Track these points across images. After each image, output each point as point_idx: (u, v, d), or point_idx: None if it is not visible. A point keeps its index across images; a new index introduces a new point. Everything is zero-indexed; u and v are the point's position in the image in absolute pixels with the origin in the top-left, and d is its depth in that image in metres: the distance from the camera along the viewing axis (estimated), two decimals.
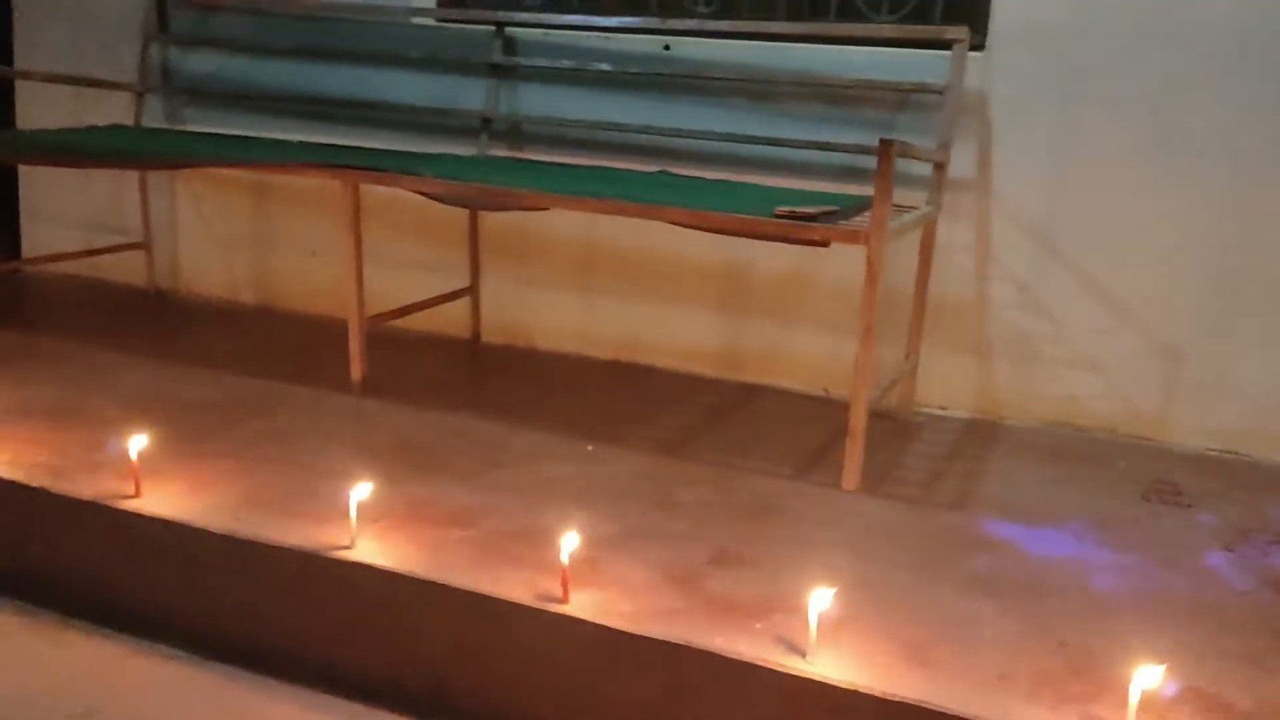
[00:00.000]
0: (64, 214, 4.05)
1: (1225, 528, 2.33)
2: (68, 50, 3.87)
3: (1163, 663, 1.58)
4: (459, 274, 3.42)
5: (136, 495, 2.17)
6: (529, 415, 2.82)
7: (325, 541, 2.02)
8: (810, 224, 2.36)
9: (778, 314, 3.15)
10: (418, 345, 3.39)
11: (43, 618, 2.20)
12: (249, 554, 2.03)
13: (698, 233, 2.54)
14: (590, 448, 2.61)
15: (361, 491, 2.04)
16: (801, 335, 3.12)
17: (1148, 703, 1.58)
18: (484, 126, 3.35)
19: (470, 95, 3.36)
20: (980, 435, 2.89)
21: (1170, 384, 2.82)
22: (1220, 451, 2.80)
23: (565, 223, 3.26)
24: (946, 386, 3.02)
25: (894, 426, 2.90)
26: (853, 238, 2.31)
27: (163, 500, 2.16)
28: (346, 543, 2.01)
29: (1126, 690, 1.57)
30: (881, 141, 2.25)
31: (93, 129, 3.52)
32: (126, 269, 3.89)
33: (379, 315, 2.94)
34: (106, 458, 2.32)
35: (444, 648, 1.93)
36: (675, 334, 3.29)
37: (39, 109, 3.93)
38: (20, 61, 3.98)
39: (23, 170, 4.08)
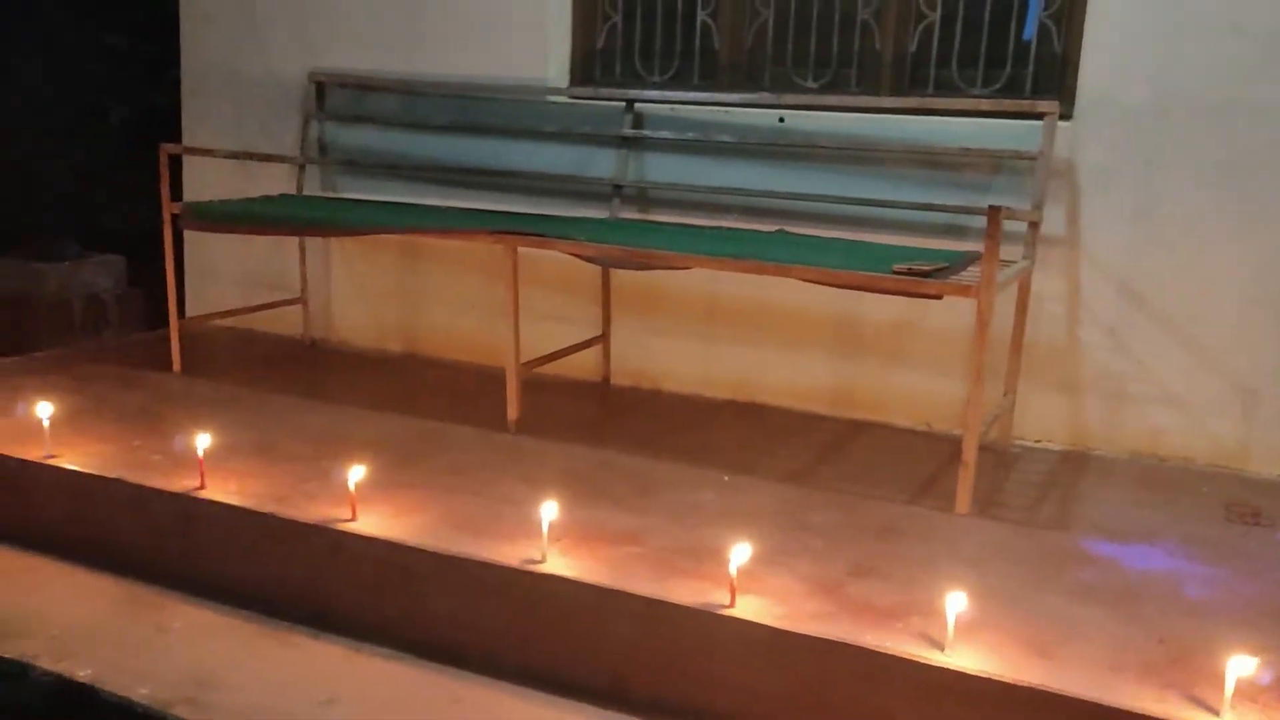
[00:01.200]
0: (225, 274, 4.52)
1: None
2: (231, 128, 4.37)
3: (1254, 655, 1.87)
4: (592, 324, 3.81)
5: (353, 519, 2.56)
6: (665, 449, 3.18)
7: (520, 557, 2.39)
8: (926, 280, 2.71)
9: (885, 356, 3.49)
10: (556, 388, 3.77)
11: (273, 624, 2.59)
12: (456, 568, 2.41)
13: (809, 284, 2.89)
14: (726, 478, 2.95)
15: (550, 512, 2.41)
16: (907, 376, 3.45)
17: (1242, 688, 1.87)
18: (615, 192, 3.75)
19: (601, 164, 3.77)
20: (1073, 465, 3.19)
21: (1247, 418, 3.11)
22: None
23: (688, 276, 3.63)
24: (1041, 421, 3.33)
25: (994, 458, 3.21)
26: (965, 291, 2.65)
27: (376, 523, 2.54)
28: (539, 557, 2.38)
29: (1223, 677, 1.87)
30: (990, 208, 2.60)
31: (264, 199, 3.99)
32: (283, 322, 4.34)
33: (528, 362, 3.33)
34: (319, 488, 2.72)
35: (626, 646, 2.27)
36: (789, 375, 3.64)
37: (204, 182, 4.42)
38: (189, 139, 4.48)
39: (187, 235, 4.57)
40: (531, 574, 2.34)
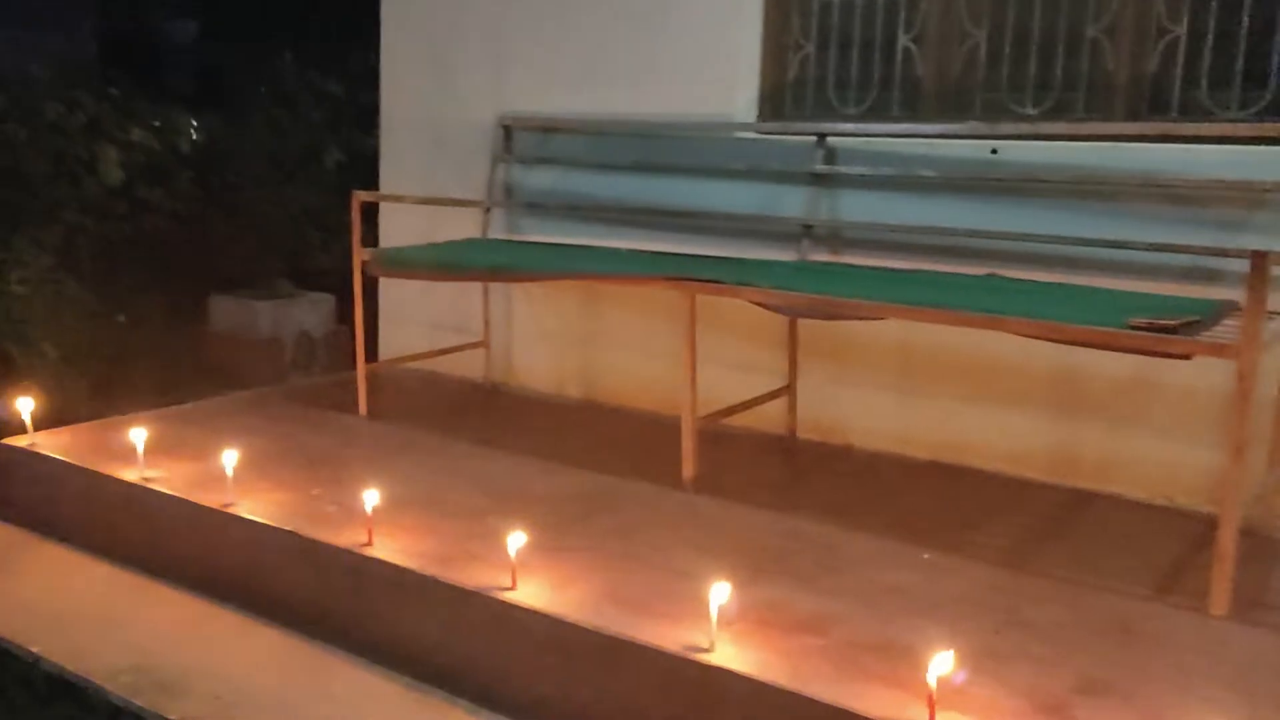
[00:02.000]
0: (413, 317, 4.52)
1: None
2: (425, 172, 4.37)
3: None
4: (777, 373, 3.54)
5: (513, 588, 2.39)
6: (857, 517, 2.85)
7: (686, 642, 2.13)
8: (1171, 336, 2.30)
9: (1115, 416, 3.04)
10: (738, 441, 3.51)
11: (434, 693, 2.44)
12: (618, 651, 2.18)
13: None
14: (927, 556, 2.61)
15: (720, 594, 2.15)
16: (1142, 440, 2.99)
17: None
18: (804, 232, 3.48)
19: (790, 202, 3.51)
20: None
21: None
22: None
23: (881, 323, 3.31)
24: None
25: (1255, 542, 2.70)
26: (1222, 351, 2.23)
27: (536, 593, 2.36)
28: (706, 645, 2.12)
29: None
30: (1255, 253, 2.17)
31: (452, 244, 3.94)
32: (464, 365, 4.28)
33: (707, 415, 3.09)
34: (482, 549, 2.56)
35: None
36: (999, 435, 3.24)
37: (400, 225, 4.44)
38: (386, 183, 4.53)
39: (381, 279, 4.61)
40: (697, 665, 2.08)
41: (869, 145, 3.39)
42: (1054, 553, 2.68)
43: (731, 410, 3.21)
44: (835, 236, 3.48)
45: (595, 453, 3.40)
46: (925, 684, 1.87)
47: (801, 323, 3.51)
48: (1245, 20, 2.90)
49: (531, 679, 2.32)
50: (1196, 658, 2.12)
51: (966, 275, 3.10)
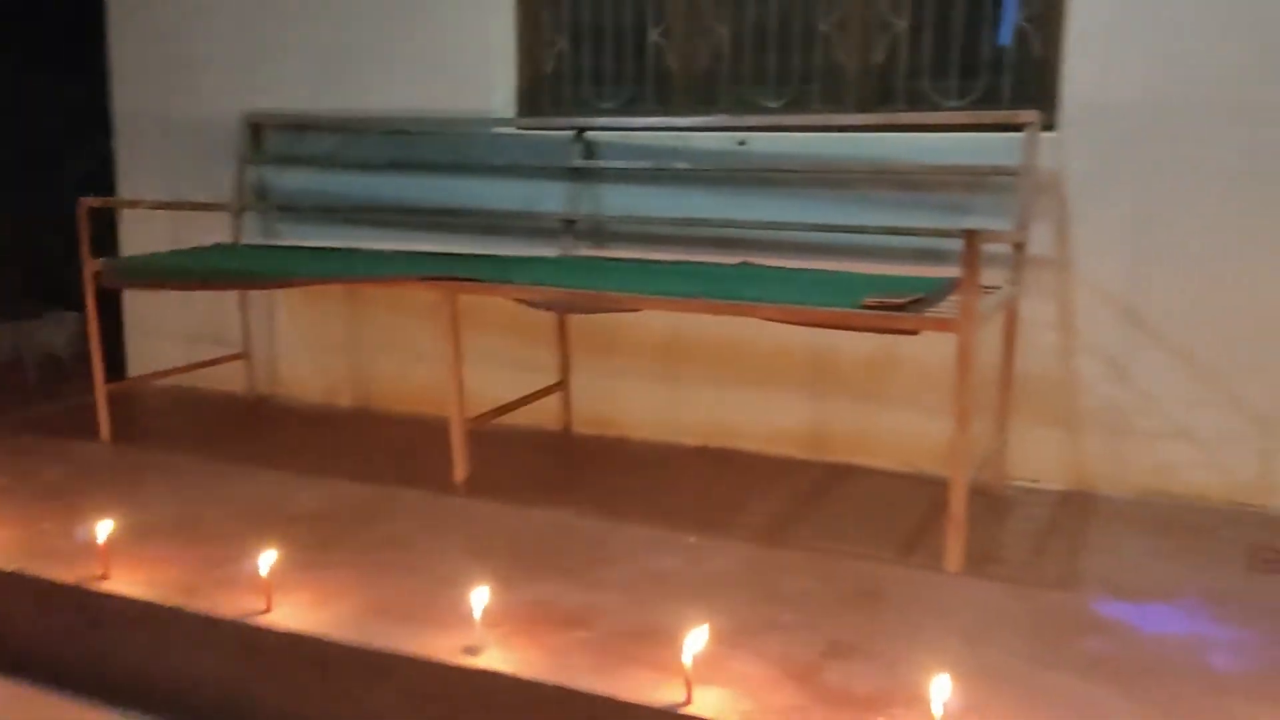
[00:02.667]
0: (166, 329, 4.25)
1: None
2: (167, 176, 4.11)
3: None
4: (550, 370, 3.54)
5: (268, 610, 2.27)
6: (628, 508, 2.89)
7: (452, 648, 2.09)
8: (899, 314, 2.43)
9: (863, 394, 3.21)
10: (513, 440, 3.48)
11: None
12: (382, 665, 2.12)
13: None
14: (692, 540, 2.67)
15: (483, 598, 2.12)
16: (888, 414, 3.17)
17: None
18: (567, 228, 3.48)
19: (552, 198, 3.50)
20: (1075, 508, 2.90)
21: (1266, 450, 2.82)
22: None
23: (649, 314, 3.35)
24: (1038, 460, 3.04)
25: (987, 502, 2.92)
26: (944, 326, 2.38)
27: (294, 614, 2.25)
28: (474, 648, 2.09)
29: None
30: (966, 233, 2.32)
31: (198, 250, 3.72)
32: (226, 378, 4.06)
33: (478, 416, 3.05)
34: (234, 573, 2.43)
35: None
36: (762, 418, 3.35)
37: (140, 232, 4.16)
38: (123, 190, 4.23)
39: (127, 291, 4.30)
40: (461, 669, 2.05)
41: (626, 139, 3.43)
42: (809, 526, 2.80)
43: (503, 409, 3.19)
44: (598, 230, 3.51)
45: (365, 463, 3.30)
46: (681, 663, 1.91)
47: (572, 318, 3.52)
48: (961, 12, 3.11)
49: (291, 702, 2.22)
50: (932, 613, 2.26)
51: (722, 265, 3.18)
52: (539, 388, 3.45)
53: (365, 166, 3.77)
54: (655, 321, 3.38)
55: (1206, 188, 2.78)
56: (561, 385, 3.55)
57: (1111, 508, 2.90)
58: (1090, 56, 2.84)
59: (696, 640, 1.92)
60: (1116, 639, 2.14)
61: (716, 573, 2.48)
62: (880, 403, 3.18)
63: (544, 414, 3.57)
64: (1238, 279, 2.79)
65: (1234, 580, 2.41)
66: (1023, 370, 2.94)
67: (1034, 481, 3.06)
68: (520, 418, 3.40)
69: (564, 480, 3.30)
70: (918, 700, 1.83)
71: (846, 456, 3.25)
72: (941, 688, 1.76)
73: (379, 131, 3.73)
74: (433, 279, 2.93)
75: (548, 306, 3.19)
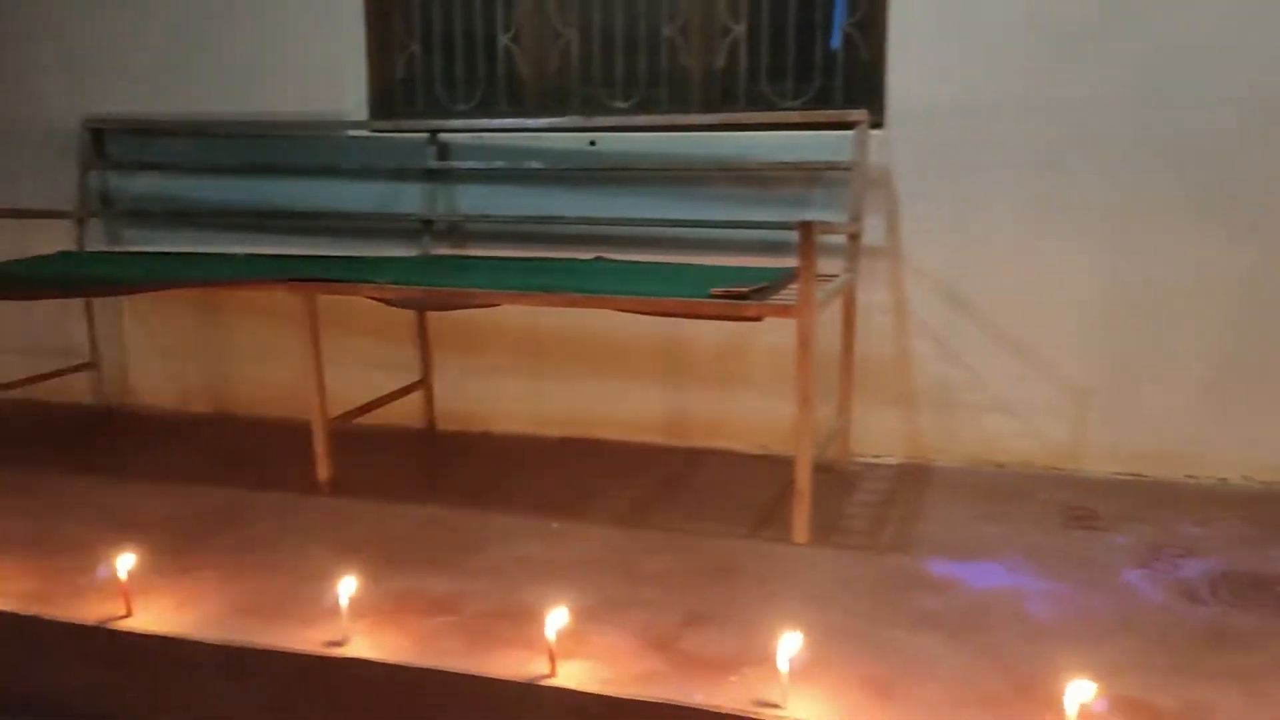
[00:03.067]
0: (4, 342, 4.09)
1: (1139, 546, 2.57)
2: (7, 184, 3.95)
3: (1096, 678, 1.78)
4: (411, 368, 3.57)
5: (128, 615, 2.26)
6: (493, 500, 2.96)
7: (318, 641, 2.13)
8: (744, 302, 2.58)
9: (718, 381, 3.36)
10: (377, 440, 3.51)
11: None
12: (245, 662, 2.14)
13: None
14: (556, 525, 2.76)
15: (348, 588, 2.16)
16: (741, 399, 3.33)
17: (1085, 716, 1.77)
18: (424, 228, 3.53)
19: (409, 199, 3.54)
20: (913, 479, 3.12)
21: (1079, 419, 3.09)
22: (1129, 475, 3.07)
23: (509, 311, 3.42)
24: (879, 436, 3.25)
25: (834, 478, 3.11)
26: (784, 312, 2.53)
27: (155, 617, 2.25)
28: (339, 639, 2.13)
29: (1064, 706, 1.77)
30: (801, 225, 2.48)
31: (39, 258, 3.61)
32: (75, 390, 3.95)
33: (340, 416, 3.07)
34: (92, 581, 2.40)
35: None
36: (622, 407, 3.47)
37: None
38: None
39: None
40: (331, 660, 2.09)
41: (480, 140, 3.49)
42: (668, 508, 2.93)
43: (365, 408, 3.21)
44: (456, 230, 3.56)
45: (224, 468, 3.28)
46: (545, 640, 2.00)
47: (431, 317, 3.57)
48: (793, 18, 3.29)
49: (159, 705, 2.22)
50: (781, 581, 2.41)
51: (577, 260, 3.29)
52: (401, 386, 3.48)
53: (216, 170, 3.72)
54: (515, 317, 3.46)
55: (1013, 179, 3.03)
56: (424, 383, 3.60)
57: (945, 478, 3.13)
58: (910, 61, 3.06)
59: (558, 618, 2.01)
60: (946, 595, 2.33)
61: (580, 555, 2.58)
62: (733, 388, 3.34)
63: (408, 412, 3.61)
64: (1044, 262, 3.05)
65: (1049, 538, 2.65)
66: (862, 353, 3.14)
67: (877, 457, 3.27)
68: (384, 417, 3.43)
69: (430, 476, 3.34)
70: (767, 659, 1.97)
71: (703, 441, 3.40)
72: (789, 645, 1.90)
73: (229, 134, 3.69)
74: (290, 281, 2.93)
75: (406, 305, 3.23)
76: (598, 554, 2.58)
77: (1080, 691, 1.74)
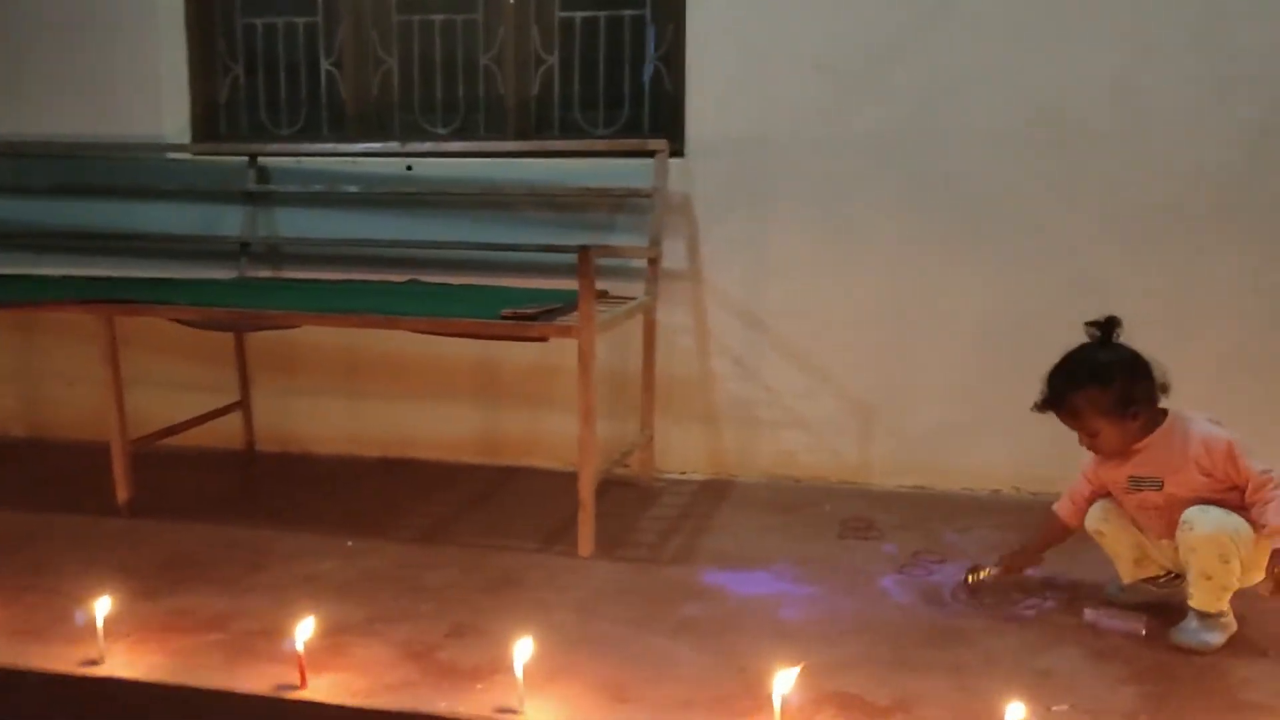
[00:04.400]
0: None
1: (902, 554, 2.71)
2: None
3: (822, 675, 1.88)
4: (229, 389, 3.57)
5: None
6: (297, 519, 2.99)
7: (75, 660, 2.13)
8: (530, 323, 2.67)
9: (530, 401, 3.44)
10: (192, 461, 3.49)
11: None
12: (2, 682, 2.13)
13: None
14: (350, 543, 2.79)
15: (104, 607, 2.17)
16: (553, 418, 3.41)
17: (794, 708, 1.88)
18: (242, 250, 3.54)
19: (229, 221, 3.55)
20: (712, 494, 3.23)
21: (865, 434, 3.24)
22: (912, 489, 3.23)
23: (327, 334, 3.45)
24: (683, 453, 3.36)
25: (637, 493, 3.20)
26: (565, 332, 2.63)
27: None
28: (95, 659, 2.13)
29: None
30: (580, 249, 2.58)
31: None
32: None
33: (145, 436, 3.06)
34: None
35: None
36: (438, 427, 3.53)
37: None
38: None
39: None
40: (82, 679, 2.09)
41: (300, 164, 3.53)
42: (468, 525, 2.98)
43: (172, 430, 3.21)
44: (274, 253, 3.59)
45: (27, 491, 3.24)
46: (297, 654, 2.04)
47: (253, 339, 3.57)
48: (603, 50, 3.41)
49: None
50: (556, 593, 2.48)
51: (392, 282, 3.34)
52: (218, 407, 3.48)
53: (33, 191, 3.68)
54: (333, 338, 3.48)
55: (803, 208, 3.19)
56: (242, 404, 3.60)
57: (742, 492, 3.25)
58: (707, 94, 3.20)
59: (305, 630, 2.06)
60: (710, 603, 2.43)
61: (369, 571, 2.61)
62: (544, 408, 3.42)
63: (228, 434, 3.61)
64: (831, 285, 3.21)
65: (823, 547, 2.78)
66: (667, 372, 3.25)
67: (682, 473, 3.38)
68: (202, 438, 3.42)
69: (240, 496, 3.34)
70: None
71: (516, 459, 3.47)
72: (522, 653, 1.97)
73: (47, 155, 3.66)
74: (86, 302, 2.93)
75: (210, 326, 3.24)
76: (387, 570, 2.62)
77: (783, 683, 1.84)
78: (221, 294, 3.15)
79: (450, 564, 2.66)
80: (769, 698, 1.86)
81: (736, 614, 2.36)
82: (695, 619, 2.34)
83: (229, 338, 3.54)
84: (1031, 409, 2.21)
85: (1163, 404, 2.18)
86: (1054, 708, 1.90)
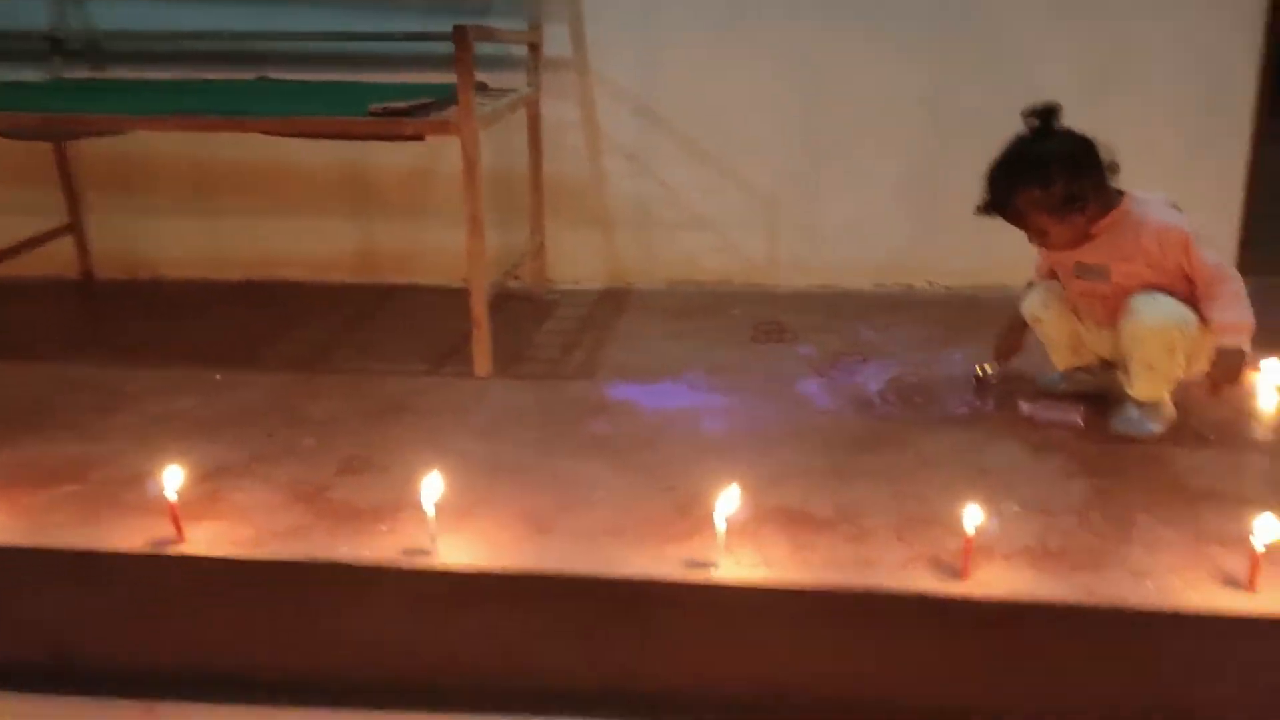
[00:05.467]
0: None
1: (820, 356, 2.59)
2: None
3: (757, 488, 1.74)
4: (55, 211, 3.13)
5: None
6: (149, 354, 2.67)
7: None
8: (402, 119, 2.34)
9: (405, 212, 3.13)
10: (22, 293, 3.09)
11: None
12: None
13: (312, 138, 2.44)
14: (219, 376, 2.50)
15: None
16: (430, 230, 3.11)
17: (738, 527, 1.75)
18: (54, 48, 3.03)
19: (31, 13, 3.02)
20: (611, 304, 3.03)
21: (772, 232, 3.07)
22: (819, 287, 3.09)
23: (169, 143, 3.03)
24: (577, 261, 3.13)
25: (530, 306, 2.98)
26: (444, 129, 2.31)
27: None
28: None
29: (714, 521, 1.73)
30: (456, 28, 2.24)
31: None
32: None
33: None
34: None
35: (63, 615, 1.83)
36: (308, 245, 3.19)
37: None
38: None
39: None
40: None
41: None
42: (348, 349, 2.72)
43: None
44: (94, 49, 3.08)
45: None
46: (169, 503, 1.79)
47: (83, 153, 3.11)
48: None
49: None
50: (453, 418, 2.27)
51: (237, 80, 2.91)
52: (42, 231, 3.05)
53: None
54: (178, 149, 3.07)
55: None
56: (72, 226, 3.17)
57: (642, 300, 3.06)
58: None
59: (176, 477, 1.81)
60: (623, 419, 2.26)
61: (240, 407, 2.35)
62: (422, 219, 3.12)
63: (63, 261, 3.19)
64: (729, 69, 2.94)
65: (735, 353, 2.63)
66: (556, 173, 2.97)
67: (576, 283, 3.15)
68: (29, 267, 3.01)
69: (82, 331, 2.98)
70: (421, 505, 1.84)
71: (394, 277, 3.18)
72: (431, 489, 1.77)
73: None
74: None
75: (23, 135, 2.77)
76: (260, 404, 2.36)
77: (726, 503, 1.71)
78: (30, 98, 2.68)
79: (332, 393, 2.41)
80: (706, 518, 1.72)
81: (653, 429, 2.21)
82: (609, 436, 2.17)
83: (48, 150, 3.07)
84: (975, 213, 2.03)
85: (1116, 185, 2.03)
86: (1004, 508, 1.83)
